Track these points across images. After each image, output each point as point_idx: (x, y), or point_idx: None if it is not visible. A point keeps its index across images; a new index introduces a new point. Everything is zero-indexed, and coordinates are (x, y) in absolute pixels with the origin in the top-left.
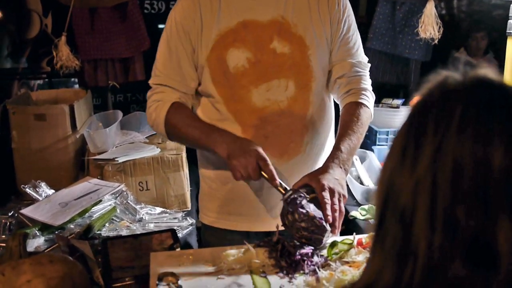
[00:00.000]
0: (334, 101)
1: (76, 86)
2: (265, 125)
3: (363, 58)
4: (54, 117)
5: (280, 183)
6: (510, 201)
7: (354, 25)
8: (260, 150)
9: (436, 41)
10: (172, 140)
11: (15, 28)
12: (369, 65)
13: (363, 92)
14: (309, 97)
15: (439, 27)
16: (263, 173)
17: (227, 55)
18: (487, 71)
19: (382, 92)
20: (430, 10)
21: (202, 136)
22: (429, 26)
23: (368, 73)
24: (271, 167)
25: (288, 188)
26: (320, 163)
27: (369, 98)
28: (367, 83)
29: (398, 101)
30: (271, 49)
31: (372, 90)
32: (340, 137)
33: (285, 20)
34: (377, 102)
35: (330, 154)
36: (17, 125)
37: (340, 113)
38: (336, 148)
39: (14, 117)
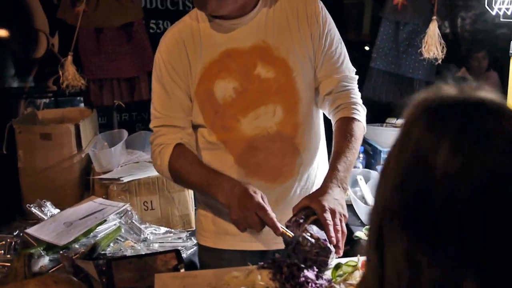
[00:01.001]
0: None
1: (82, 104)
2: (257, 153)
3: (350, 71)
4: (59, 136)
5: (284, 229)
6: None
7: (337, 38)
8: (258, 199)
9: (439, 61)
10: (178, 184)
11: (22, 47)
12: (357, 77)
13: (353, 106)
14: (298, 119)
15: (443, 47)
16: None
17: (214, 87)
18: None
19: (386, 112)
20: (433, 30)
21: (203, 184)
22: (433, 47)
23: (357, 85)
24: (271, 215)
25: (293, 234)
26: (313, 180)
27: (359, 112)
28: (357, 96)
29: (402, 121)
30: (255, 76)
31: (377, 109)
32: (336, 155)
33: (266, 44)
34: (382, 121)
35: (328, 174)
36: (23, 145)
37: (333, 129)
38: (333, 167)
39: (20, 136)
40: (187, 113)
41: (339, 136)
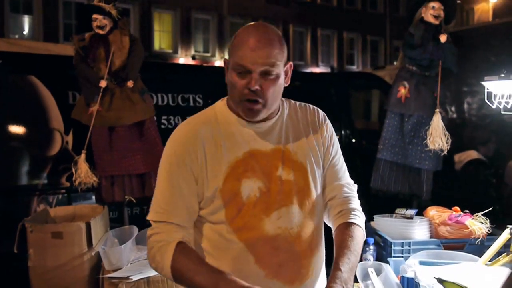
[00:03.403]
0: None
1: (94, 197)
2: (278, 253)
3: (350, 180)
4: (71, 234)
5: None
6: None
7: (339, 149)
8: None
9: (445, 152)
10: (178, 284)
11: (37, 146)
12: (356, 186)
13: (353, 212)
14: (314, 221)
15: (447, 138)
16: None
17: (241, 186)
18: None
19: (395, 203)
20: (437, 122)
21: (209, 284)
22: (437, 138)
23: (356, 193)
24: None
25: None
26: (321, 282)
27: (359, 218)
28: (357, 203)
29: (411, 211)
30: (277, 177)
31: (386, 200)
32: (339, 257)
33: (286, 148)
34: (391, 212)
35: (332, 275)
36: (34, 243)
37: (334, 234)
38: (336, 268)
39: (31, 235)
40: (189, 213)
41: (341, 240)
